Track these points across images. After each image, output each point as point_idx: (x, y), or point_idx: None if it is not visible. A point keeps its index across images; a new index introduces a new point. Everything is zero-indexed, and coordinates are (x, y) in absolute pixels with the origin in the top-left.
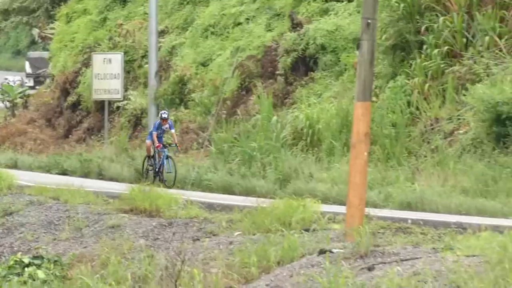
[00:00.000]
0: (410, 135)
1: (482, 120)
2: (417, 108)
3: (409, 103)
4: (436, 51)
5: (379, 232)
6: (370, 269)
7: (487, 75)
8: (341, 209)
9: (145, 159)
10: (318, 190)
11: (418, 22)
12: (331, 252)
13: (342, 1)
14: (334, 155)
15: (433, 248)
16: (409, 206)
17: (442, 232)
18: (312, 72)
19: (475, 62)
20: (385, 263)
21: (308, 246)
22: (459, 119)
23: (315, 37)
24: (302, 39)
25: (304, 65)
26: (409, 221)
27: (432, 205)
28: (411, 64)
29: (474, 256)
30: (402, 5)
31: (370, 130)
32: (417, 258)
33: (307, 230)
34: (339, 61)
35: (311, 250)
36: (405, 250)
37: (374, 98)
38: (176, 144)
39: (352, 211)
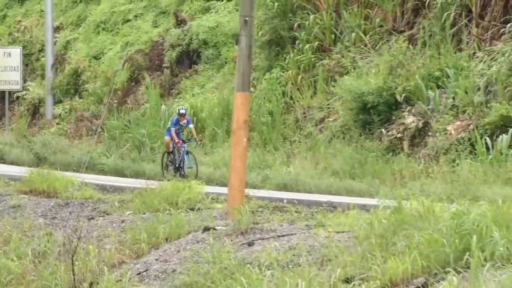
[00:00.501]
0: (285, 123)
1: (350, 109)
2: (291, 98)
3: (284, 93)
4: (307, 46)
5: (258, 211)
6: (250, 244)
7: (354, 68)
8: (223, 190)
9: (163, 155)
10: (203, 173)
11: (291, 20)
12: (214, 229)
13: (222, 0)
14: (216, 141)
15: (307, 225)
16: (285, 187)
17: (314, 211)
18: (195, 65)
19: (342, 56)
20: (263, 239)
21: (194, 224)
22: (329, 108)
23: (198, 33)
24: (186, 35)
25: (188, 58)
26: (285, 200)
27: (305, 186)
28: (285, 58)
29: (343, 232)
30: (276, 4)
31: (249, 118)
32: (292, 234)
33: (192, 209)
34: (220, 55)
35: (196, 227)
36: (282, 227)
37: (252, 89)
38: (195, 139)
39: (233, 192)
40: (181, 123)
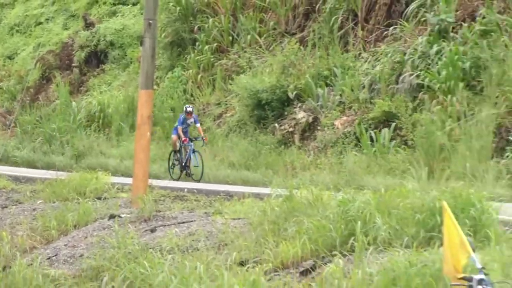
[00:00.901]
0: None
1: (246, 105)
2: (192, 95)
3: (185, 91)
4: (207, 47)
5: (160, 200)
6: (152, 231)
7: (250, 68)
8: (128, 180)
9: (170, 154)
10: (109, 164)
11: (191, 23)
12: (119, 217)
13: (128, 5)
14: (122, 135)
15: (205, 213)
16: (183, 178)
17: (213, 199)
18: (103, 65)
19: (239, 57)
20: (165, 225)
21: (100, 212)
22: (226, 104)
23: (105, 35)
24: (94, 37)
25: (96, 58)
26: (185, 190)
27: (204, 176)
28: (186, 58)
29: (239, 219)
30: (178, 8)
31: (152, 114)
32: (192, 221)
33: (99, 198)
34: (126, 55)
35: (103, 215)
36: (182, 215)
37: (155, 87)
38: (202, 138)
39: (137, 182)
40: (188, 121)
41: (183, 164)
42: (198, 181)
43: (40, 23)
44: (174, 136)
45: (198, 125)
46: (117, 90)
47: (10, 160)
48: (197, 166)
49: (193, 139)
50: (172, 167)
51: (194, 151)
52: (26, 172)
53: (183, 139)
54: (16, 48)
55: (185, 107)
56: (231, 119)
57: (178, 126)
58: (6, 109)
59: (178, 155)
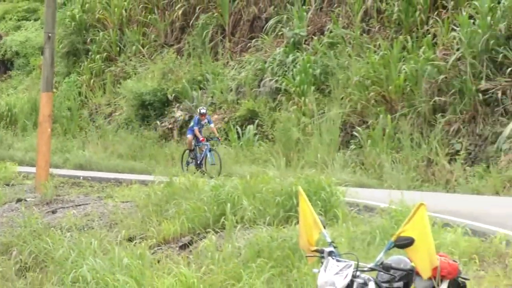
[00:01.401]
0: (81, 116)
1: (132, 106)
2: (86, 97)
3: (79, 93)
4: (98, 56)
5: (60, 186)
6: (53, 212)
7: (135, 74)
8: (33, 169)
9: (184, 152)
10: (16, 156)
11: (85, 35)
12: (25, 200)
13: (30, 20)
14: (27, 131)
15: (99, 197)
16: (81, 167)
17: (105, 185)
18: (9, 71)
19: (126, 64)
20: (64, 207)
21: (9, 196)
22: (115, 104)
23: (11, 46)
24: (1, 47)
25: (4, 66)
26: (81, 177)
27: (97, 166)
28: (80, 66)
29: (127, 202)
30: (73, 23)
31: (52, 113)
32: (87, 204)
33: (8, 184)
34: (29, 63)
35: (11, 199)
36: (79, 198)
37: (55, 90)
38: (217, 138)
39: (40, 171)
40: (202, 122)
41: (199, 162)
42: (214, 177)
43: None
44: (189, 136)
45: (211, 125)
46: (22, 93)
47: None
48: (214, 164)
49: (209, 139)
50: (187, 164)
51: (210, 150)
52: None
53: (200, 138)
54: None
55: (199, 109)
56: (119, 117)
57: (194, 127)
58: None
59: (193, 153)
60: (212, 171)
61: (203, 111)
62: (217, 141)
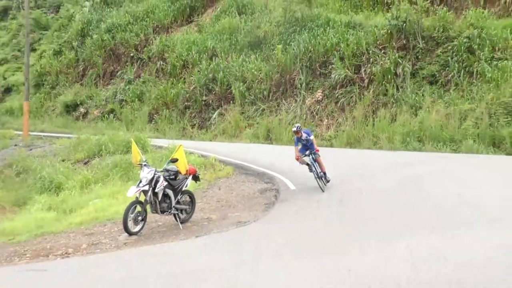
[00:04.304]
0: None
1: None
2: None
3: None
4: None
5: (33, 139)
6: (30, 149)
7: None
8: (21, 132)
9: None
10: (13, 127)
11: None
12: (18, 145)
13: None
14: (18, 117)
15: (49, 143)
16: (42, 131)
17: (52, 139)
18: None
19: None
20: (35, 148)
21: (11, 143)
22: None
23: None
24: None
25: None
26: (42, 136)
27: (49, 130)
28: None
29: (61, 145)
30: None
31: (28, 108)
32: (45, 146)
33: (11, 139)
34: (19, 89)
35: (12, 144)
36: (41, 144)
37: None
38: (315, 151)
39: (24, 132)
40: (302, 140)
41: (317, 175)
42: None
43: None
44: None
45: (311, 137)
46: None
47: None
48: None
49: (307, 154)
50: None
51: (312, 163)
52: None
53: (295, 157)
54: None
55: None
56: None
57: (295, 147)
58: None
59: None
60: None
61: (294, 129)
62: (314, 155)
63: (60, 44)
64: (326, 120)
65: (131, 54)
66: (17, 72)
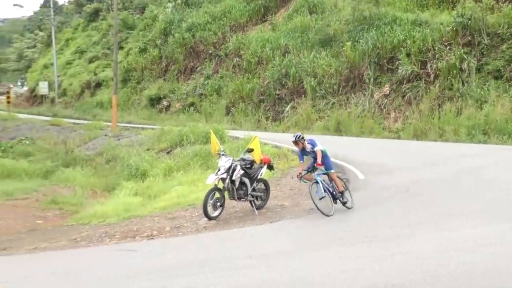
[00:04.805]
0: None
1: None
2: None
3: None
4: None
5: (121, 130)
6: (119, 139)
7: None
8: (110, 123)
9: None
10: (102, 118)
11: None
12: (107, 135)
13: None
14: (107, 109)
15: (135, 134)
16: (129, 122)
17: (138, 130)
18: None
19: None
20: (122, 138)
21: (102, 133)
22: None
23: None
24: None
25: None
26: (129, 127)
27: (135, 121)
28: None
29: (146, 136)
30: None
31: (117, 102)
32: (131, 136)
33: (101, 129)
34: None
35: (102, 134)
36: (128, 134)
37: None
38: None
39: (113, 124)
40: (307, 152)
41: (333, 195)
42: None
43: None
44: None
45: (315, 148)
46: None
47: None
48: (323, 197)
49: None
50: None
51: (317, 182)
52: None
53: (297, 174)
54: None
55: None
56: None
57: (299, 162)
58: None
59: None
60: None
61: (292, 140)
62: (316, 170)
63: (145, 43)
64: (393, 113)
65: (210, 51)
66: (106, 68)
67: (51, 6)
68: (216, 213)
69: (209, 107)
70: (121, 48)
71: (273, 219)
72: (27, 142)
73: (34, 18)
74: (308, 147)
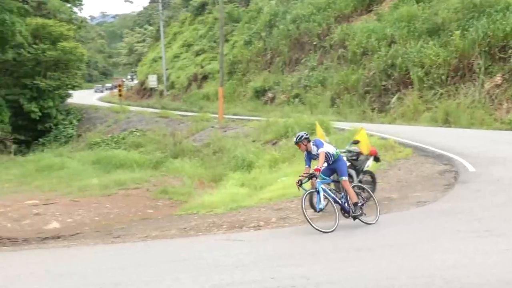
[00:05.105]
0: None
1: None
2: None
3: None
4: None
5: (227, 122)
6: (225, 131)
7: None
8: (215, 116)
9: None
10: (209, 110)
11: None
12: (214, 126)
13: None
14: (213, 101)
15: (241, 126)
16: (235, 114)
17: (243, 121)
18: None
19: None
20: (229, 129)
21: (208, 125)
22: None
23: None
24: None
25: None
26: (234, 119)
27: (239, 113)
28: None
29: (252, 127)
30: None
31: (223, 94)
32: (237, 128)
33: (207, 121)
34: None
35: (209, 126)
36: (234, 126)
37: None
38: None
39: (219, 115)
40: (313, 155)
41: (344, 207)
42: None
43: None
44: None
45: (319, 150)
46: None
47: None
48: (321, 210)
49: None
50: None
51: (318, 191)
52: None
53: (296, 181)
54: None
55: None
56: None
57: (305, 167)
58: None
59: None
60: None
61: (295, 141)
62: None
63: (250, 35)
64: (505, 104)
65: (314, 43)
66: (212, 61)
67: (160, 1)
68: (322, 205)
69: (313, 98)
70: (226, 41)
71: (380, 211)
72: (138, 134)
73: (143, 13)
74: (314, 149)
